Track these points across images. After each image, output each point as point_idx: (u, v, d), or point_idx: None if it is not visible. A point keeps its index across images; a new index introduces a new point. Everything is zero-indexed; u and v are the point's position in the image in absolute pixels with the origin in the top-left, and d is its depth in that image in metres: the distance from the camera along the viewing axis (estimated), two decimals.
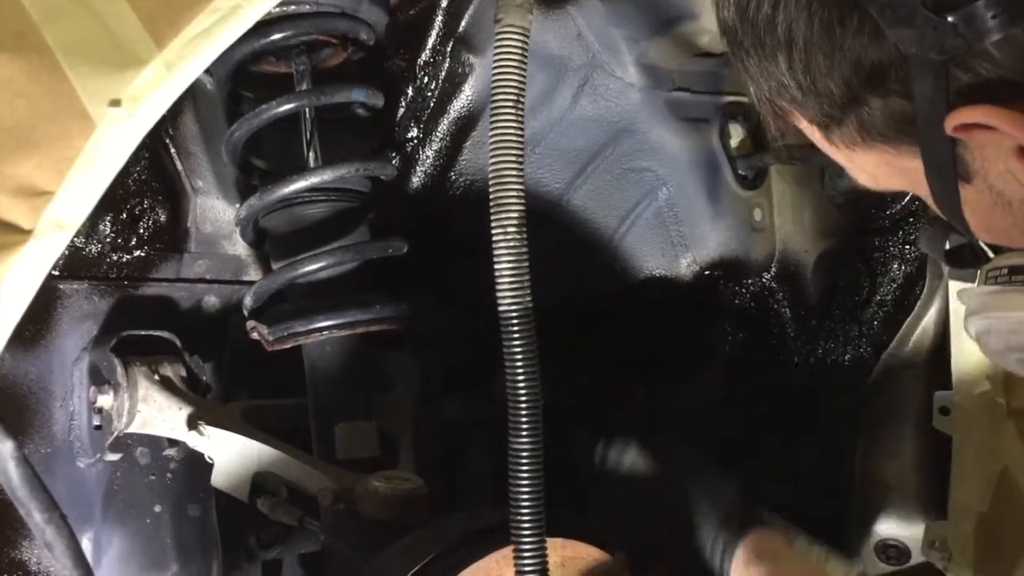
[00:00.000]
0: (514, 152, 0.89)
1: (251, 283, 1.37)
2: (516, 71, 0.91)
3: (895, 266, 1.52)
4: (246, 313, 1.26)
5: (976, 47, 0.60)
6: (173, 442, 1.28)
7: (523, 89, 0.91)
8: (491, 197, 0.90)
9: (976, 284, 0.89)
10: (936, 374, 1.40)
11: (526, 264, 0.89)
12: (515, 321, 0.87)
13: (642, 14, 1.31)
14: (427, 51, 1.37)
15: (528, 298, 0.89)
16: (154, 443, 1.28)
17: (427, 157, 1.45)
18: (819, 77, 0.68)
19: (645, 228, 1.49)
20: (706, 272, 1.52)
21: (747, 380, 1.61)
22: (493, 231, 0.91)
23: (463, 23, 1.35)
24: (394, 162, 1.39)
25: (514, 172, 0.89)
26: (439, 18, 1.34)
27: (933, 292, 1.46)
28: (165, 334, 1.28)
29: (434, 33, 1.35)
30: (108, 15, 0.62)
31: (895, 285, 1.53)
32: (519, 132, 0.90)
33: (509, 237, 0.89)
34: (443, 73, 1.39)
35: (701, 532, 1.13)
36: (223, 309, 1.38)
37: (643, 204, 1.48)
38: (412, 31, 1.35)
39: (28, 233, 0.62)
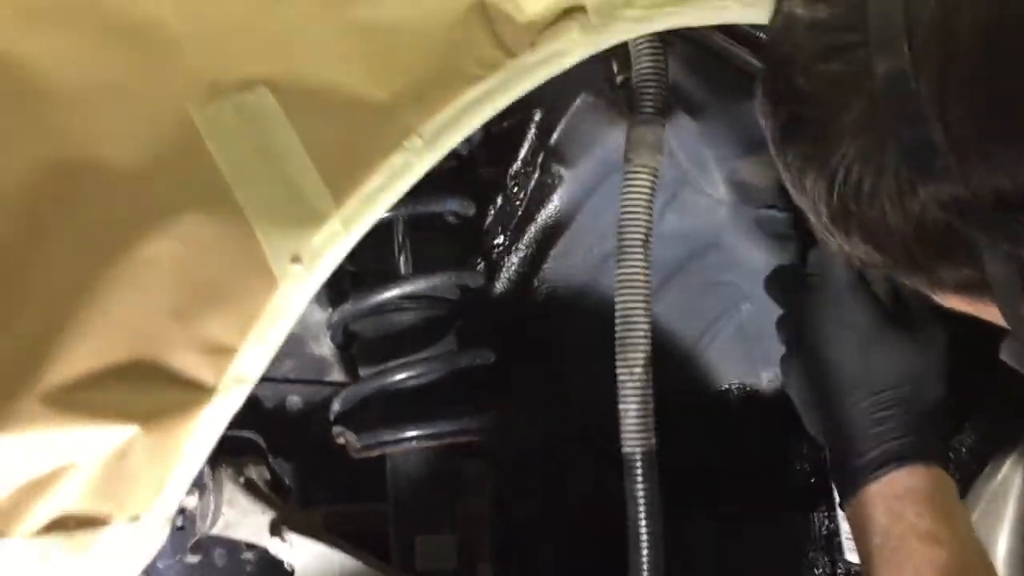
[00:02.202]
0: (642, 292, 0.90)
1: (333, 384, 1.39)
2: (645, 211, 0.92)
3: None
4: (332, 418, 1.26)
5: None
6: (251, 546, 1.27)
7: (651, 229, 0.93)
8: (617, 336, 0.91)
9: None
10: None
11: (651, 406, 0.89)
12: (639, 464, 0.87)
13: (734, 133, 1.32)
14: (518, 162, 1.39)
15: (653, 441, 0.88)
16: (233, 546, 1.28)
17: (512, 264, 1.46)
18: (881, 248, 0.66)
19: (727, 341, 1.49)
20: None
21: (826, 504, 1.57)
22: (618, 370, 0.91)
23: (555, 136, 1.37)
24: (480, 268, 1.41)
25: (642, 312, 0.90)
26: (531, 130, 1.37)
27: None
28: (251, 435, 1.28)
29: (526, 145, 1.38)
30: (293, 172, 0.64)
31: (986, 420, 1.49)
32: (647, 272, 0.91)
33: (635, 378, 0.89)
34: (532, 183, 1.41)
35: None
36: (305, 410, 1.39)
37: (725, 317, 1.48)
38: (505, 142, 1.38)
39: (212, 390, 0.63)
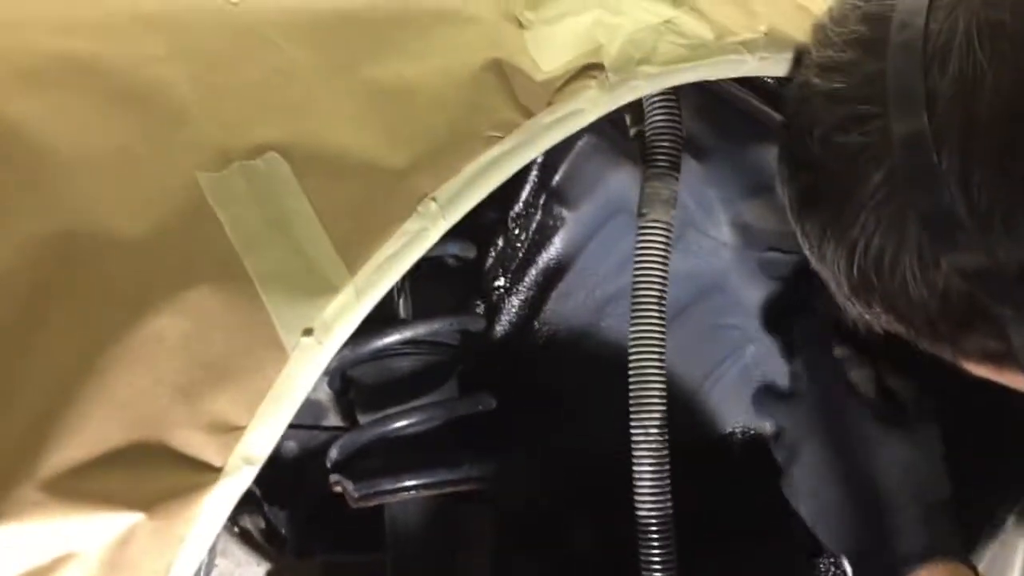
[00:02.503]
0: (657, 351, 0.88)
1: (330, 428, 1.36)
2: (660, 267, 0.90)
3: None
4: (330, 465, 1.23)
5: None
6: None
7: (666, 286, 0.91)
8: (632, 396, 0.89)
9: None
10: None
11: (667, 468, 0.86)
12: (655, 528, 0.84)
13: (739, 176, 1.31)
14: (520, 203, 1.37)
15: (669, 504, 0.86)
16: None
17: (513, 306, 1.44)
18: (904, 320, 0.64)
19: (731, 385, 1.46)
20: None
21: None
22: (633, 430, 0.89)
23: (557, 177, 1.35)
24: (480, 310, 1.39)
25: (656, 370, 0.87)
26: (533, 172, 1.35)
27: None
28: None
29: (528, 187, 1.36)
30: (304, 240, 0.61)
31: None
32: (662, 331, 0.89)
33: (651, 439, 0.86)
34: (534, 224, 1.39)
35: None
36: (301, 456, 1.36)
37: (729, 360, 1.46)
38: (506, 183, 1.34)
39: (219, 471, 0.60)
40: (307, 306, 0.62)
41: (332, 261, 0.62)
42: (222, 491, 0.61)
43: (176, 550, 0.59)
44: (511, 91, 0.70)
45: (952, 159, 0.56)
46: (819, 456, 1.01)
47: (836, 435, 1.00)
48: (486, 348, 1.43)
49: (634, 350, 0.90)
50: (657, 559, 0.84)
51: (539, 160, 1.34)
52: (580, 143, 1.32)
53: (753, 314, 1.42)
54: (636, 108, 1.03)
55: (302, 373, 0.62)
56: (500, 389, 1.32)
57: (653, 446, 0.87)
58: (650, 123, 0.97)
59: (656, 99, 0.97)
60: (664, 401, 0.88)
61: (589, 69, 0.73)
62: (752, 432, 1.48)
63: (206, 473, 0.60)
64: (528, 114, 0.71)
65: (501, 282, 1.42)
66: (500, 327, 1.44)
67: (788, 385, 1.21)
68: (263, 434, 0.62)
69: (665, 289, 0.91)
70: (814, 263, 0.70)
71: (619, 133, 1.28)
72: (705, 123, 1.18)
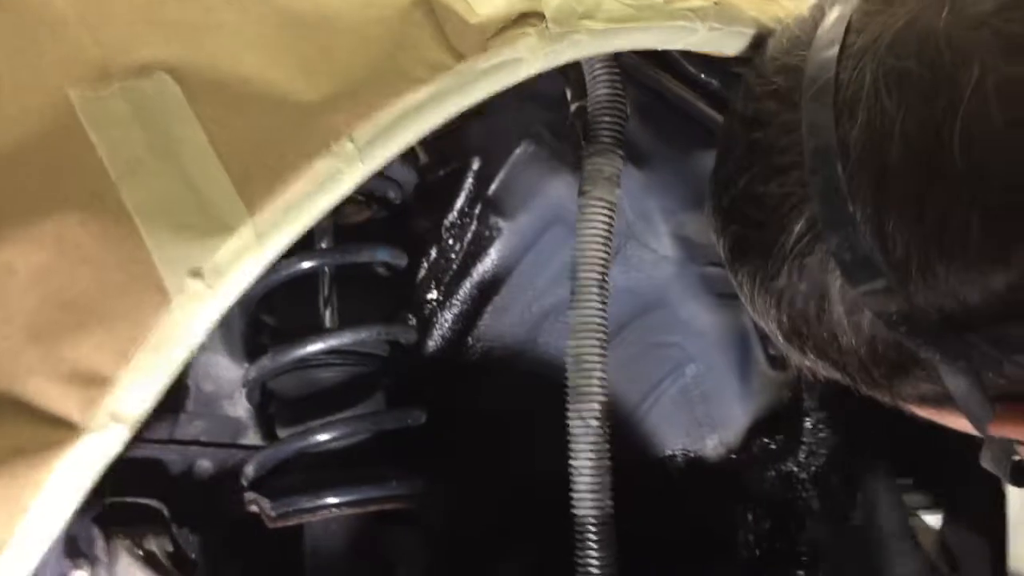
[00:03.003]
0: (598, 336, 0.82)
1: (249, 447, 1.27)
2: (602, 249, 0.85)
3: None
4: (246, 483, 1.15)
5: (1006, 360, 0.54)
6: None
7: (607, 268, 0.85)
8: (570, 384, 0.83)
9: None
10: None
11: (608, 463, 0.80)
12: (593, 528, 0.78)
13: (680, 186, 1.27)
14: (454, 213, 1.31)
15: (609, 503, 0.80)
16: None
17: (445, 321, 1.37)
18: (837, 367, 0.63)
19: (670, 405, 1.42)
20: (732, 455, 1.43)
21: (769, 573, 1.50)
22: (570, 420, 0.82)
23: (493, 186, 1.30)
24: (411, 323, 1.32)
25: (597, 357, 0.82)
26: (469, 180, 1.30)
27: None
28: (153, 503, 1.16)
29: (463, 195, 1.30)
30: (196, 173, 0.54)
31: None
32: (603, 314, 0.83)
33: (591, 431, 0.80)
34: (469, 235, 1.33)
35: None
36: (216, 474, 1.27)
37: (669, 380, 1.41)
38: (440, 192, 1.30)
39: (79, 429, 0.52)
40: (196, 245, 0.54)
41: (228, 198, 0.55)
42: (81, 453, 0.52)
43: (14, 523, 0.50)
44: (441, 31, 0.65)
45: (866, 208, 0.55)
46: None
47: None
48: (417, 364, 1.37)
49: (575, 335, 0.84)
50: (596, 564, 0.77)
51: (475, 168, 1.29)
52: (518, 151, 1.28)
53: (694, 332, 1.38)
54: (577, 83, 0.98)
55: (188, 321, 0.54)
56: (431, 408, 1.25)
57: (592, 439, 0.81)
58: (593, 98, 0.92)
59: (599, 71, 0.92)
60: (605, 389, 0.82)
61: (528, 17, 0.68)
62: (692, 454, 1.43)
63: (62, 430, 0.51)
64: (460, 57, 0.65)
65: (434, 295, 1.35)
66: (432, 342, 1.37)
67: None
68: (137, 389, 0.54)
69: (607, 270, 0.86)
70: (750, 312, 0.68)
71: (558, 141, 1.24)
72: (647, 126, 1.15)
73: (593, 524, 0.78)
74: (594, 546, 0.78)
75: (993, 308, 0.52)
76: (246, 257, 0.57)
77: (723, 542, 1.48)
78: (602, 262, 0.85)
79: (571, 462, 0.82)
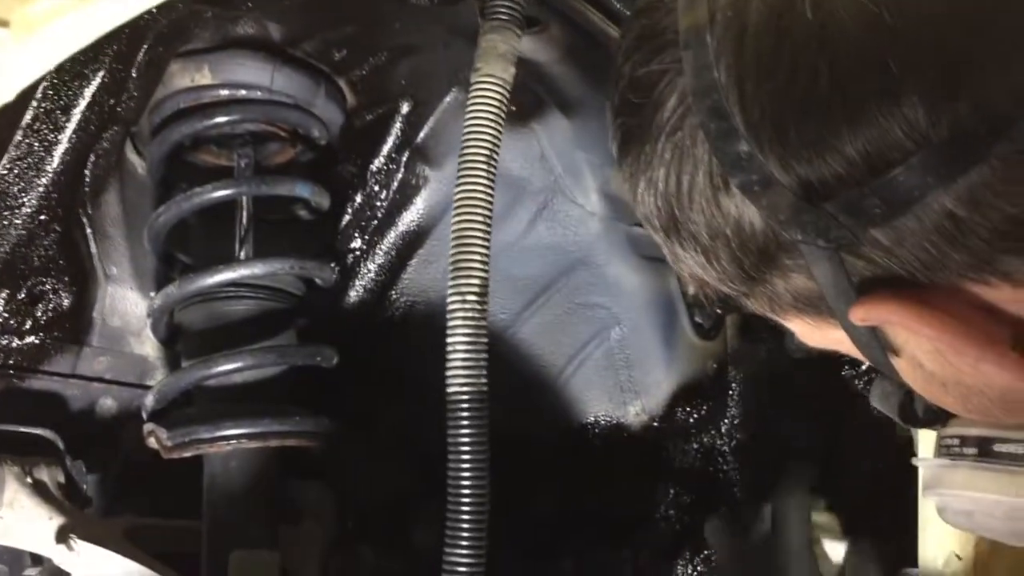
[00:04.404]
0: (482, 212, 0.80)
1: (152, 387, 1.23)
2: (492, 124, 0.82)
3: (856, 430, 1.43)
4: (145, 415, 1.11)
5: (863, 237, 0.52)
6: (37, 560, 1.09)
7: (497, 146, 0.83)
8: (451, 259, 0.80)
9: (932, 453, 0.79)
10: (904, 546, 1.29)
11: (484, 340, 0.78)
12: (465, 405, 0.75)
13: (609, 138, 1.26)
14: (381, 158, 1.29)
15: (483, 380, 0.77)
16: (15, 560, 1.10)
17: (368, 271, 1.35)
18: (712, 257, 0.62)
19: (594, 369, 1.40)
20: (654, 424, 1.41)
21: (691, 550, 1.47)
22: (449, 298, 0.80)
23: (422, 133, 1.28)
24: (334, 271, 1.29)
25: (480, 233, 0.79)
26: (397, 125, 1.28)
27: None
28: (47, 433, 1.12)
29: (390, 140, 1.28)
30: None
31: (856, 448, 1.44)
32: (489, 191, 0.81)
33: (468, 307, 0.78)
34: (395, 183, 1.31)
35: None
36: (119, 415, 1.22)
37: (594, 343, 1.39)
38: (367, 136, 1.28)
39: None
40: None
41: None
42: None
43: None
44: None
45: (730, 73, 0.55)
46: None
47: None
48: (338, 317, 1.34)
49: (458, 210, 0.81)
50: (467, 440, 0.74)
51: (404, 111, 1.27)
52: (448, 98, 1.26)
53: (620, 293, 1.36)
54: None
55: None
56: (347, 360, 1.22)
57: (470, 314, 0.77)
58: None
59: None
60: (486, 268, 0.79)
61: None
62: (614, 421, 1.40)
63: None
64: None
65: (358, 243, 1.33)
66: (355, 293, 1.35)
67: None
68: None
69: (497, 149, 0.83)
70: (637, 214, 0.66)
71: None
72: (575, 69, 1.13)
73: (466, 401, 0.75)
74: (466, 423, 0.74)
75: (846, 172, 0.51)
76: (67, 11, 0.53)
77: (643, 517, 1.45)
78: (491, 139, 0.82)
79: (447, 339, 0.80)
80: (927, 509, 1.21)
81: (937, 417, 0.77)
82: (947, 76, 0.49)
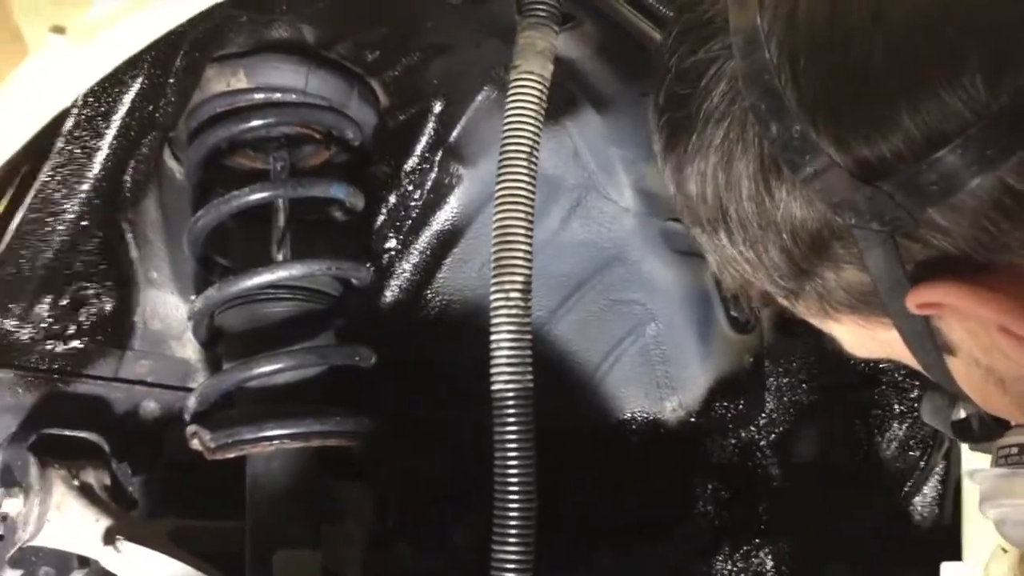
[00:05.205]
0: (524, 208, 0.80)
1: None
2: (532, 121, 0.82)
3: (896, 425, 1.42)
4: (188, 417, 1.12)
5: (920, 217, 0.51)
6: (84, 562, 1.11)
7: (538, 143, 0.83)
8: (494, 256, 0.80)
9: (990, 463, 0.77)
10: (942, 544, 1.28)
11: (529, 336, 0.78)
12: (511, 402, 0.75)
13: (642, 134, 1.24)
14: (414, 158, 1.30)
15: (529, 376, 0.77)
16: (62, 562, 1.12)
17: (404, 271, 1.35)
18: (761, 250, 0.60)
19: (630, 366, 1.39)
20: (691, 419, 1.41)
21: (730, 546, 1.47)
22: (493, 295, 0.80)
23: (455, 132, 1.29)
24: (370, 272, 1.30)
25: (523, 229, 0.79)
26: (430, 125, 1.28)
27: (936, 460, 1.36)
28: (92, 436, 1.14)
29: (424, 140, 1.29)
30: None
31: (895, 444, 1.42)
32: (531, 187, 0.81)
33: (512, 303, 0.78)
34: (429, 183, 1.31)
35: None
36: (162, 417, 1.24)
37: (629, 339, 1.39)
38: (400, 136, 1.28)
39: None
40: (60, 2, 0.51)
41: None
42: None
43: None
44: None
45: (781, 51, 0.54)
46: None
47: None
48: (375, 317, 1.35)
49: (500, 207, 0.81)
50: (513, 436, 0.74)
51: (437, 111, 1.28)
52: (480, 97, 1.26)
53: (655, 289, 1.36)
54: None
55: (45, 75, 0.51)
56: (386, 360, 1.22)
57: (514, 311, 0.78)
58: None
59: None
60: (530, 264, 0.79)
61: None
62: (651, 417, 1.40)
63: None
64: None
65: (392, 243, 1.33)
66: (390, 293, 1.35)
67: None
68: None
69: (537, 146, 0.83)
70: (682, 215, 0.65)
71: None
72: (609, 65, 1.13)
73: (512, 398, 0.75)
74: (512, 421, 0.75)
75: (905, 148, 0.50)
76: (123, 17, 0.54)
77: (681, 514, 1.45)
78: (532, 136, 0.82)
79: (491, 336, 0.80)
80: (970, 499, 1.20)
81: (992, 432, 0.76)
82: (1007, 44, 0.47)
